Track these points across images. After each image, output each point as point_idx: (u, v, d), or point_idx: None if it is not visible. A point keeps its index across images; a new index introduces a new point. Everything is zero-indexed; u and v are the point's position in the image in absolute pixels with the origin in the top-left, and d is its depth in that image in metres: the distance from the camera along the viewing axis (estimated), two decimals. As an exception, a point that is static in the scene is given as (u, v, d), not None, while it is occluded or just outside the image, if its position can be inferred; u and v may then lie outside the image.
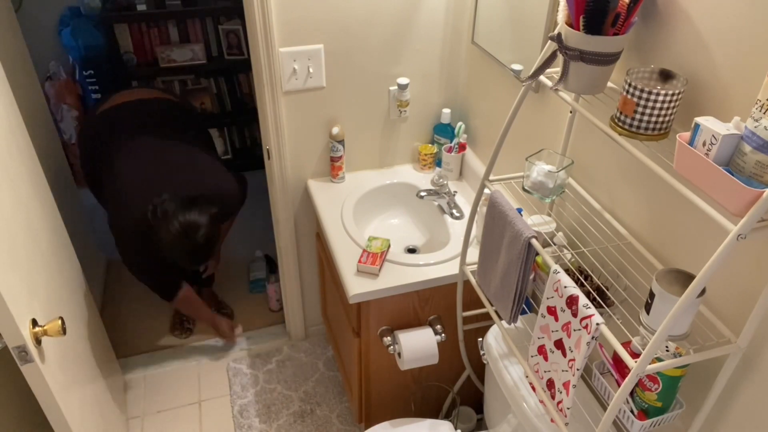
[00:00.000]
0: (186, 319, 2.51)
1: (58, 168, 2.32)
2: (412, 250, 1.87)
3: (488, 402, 1.69)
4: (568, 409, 1.12)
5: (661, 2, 1.05)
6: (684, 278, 0.96)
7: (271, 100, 1.80)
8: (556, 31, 1.06)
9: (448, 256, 1.66)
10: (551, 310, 1.14)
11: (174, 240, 1.84)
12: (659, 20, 1.07)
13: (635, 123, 0.98)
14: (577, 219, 1.39)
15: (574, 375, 1.08)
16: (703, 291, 0.91)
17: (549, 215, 1.48)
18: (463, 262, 1.51)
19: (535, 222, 1.39)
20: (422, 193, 1.86)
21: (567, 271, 1.21)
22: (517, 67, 1.56)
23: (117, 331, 2.49)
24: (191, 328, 2.50)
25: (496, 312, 1.42)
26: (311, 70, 1.78)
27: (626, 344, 1.08)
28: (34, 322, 1.22)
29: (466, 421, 1.98)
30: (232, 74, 3.34)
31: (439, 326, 1.71)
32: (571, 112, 1.35)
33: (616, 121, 1.01)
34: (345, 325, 1.86)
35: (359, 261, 1.60)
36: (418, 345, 1.65)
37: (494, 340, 1.54)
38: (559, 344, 1.13)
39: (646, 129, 0.98)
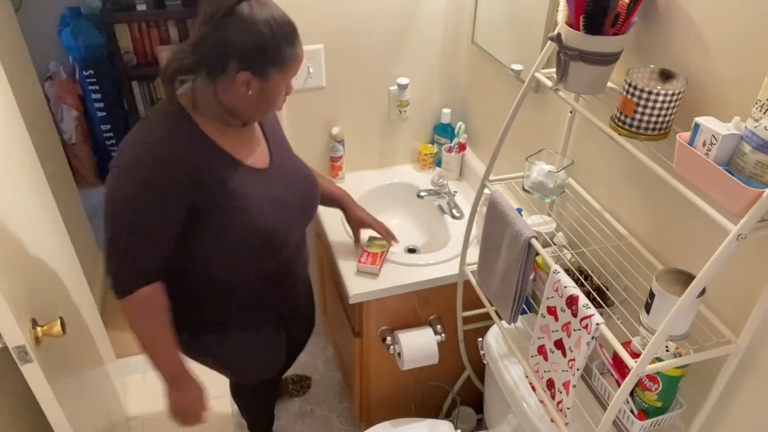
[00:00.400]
0: (294, 384, 2.21)
1: (58, 168, 2.32)
2: (412, 250, 1.86)
3: (488, 402, 1.69)
4: (568, 409, 1.12)
5: (661, 2, 1.05)
6: (684, 278, 0.96)
7: (271, 100, 1.80)
8: (556, 32, 1.06)
9: (448, 256, 1.66)
10: (551, 310, 1.14)
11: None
12: (659, 20, 1.07)
13: (635, 123, 0.98)
14: (577, 219, 1.38)
15: (574, 375, 1.08)
16: (703, 291, 0.91)
17: (549, 215, 1.48)
18: (463, 262, 1.51)
19: (535, 222, 1.39)
20: (422, 193, 1.86)
21: (567, 271, 1.21)
22: (517, 67, 1.56)
23: (117, 331, 2.49)
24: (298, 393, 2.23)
25: (496, 312, 1.41)
26: (311, 70, 1.78)
27: (626, 344, 1.08)
28: (34, 322, 1.22)
29: (466, 421, 1.98)
30: (232, 74, 3.33)
31: (439, 326, 1.71)
32: (571, 112, 1.35)
33: (616, 121, 1.01)
34: (345, 325, 1.86)
35: (359, 261, 1.60)
36: (418, 345, 1.65)
37: (494, 340, 1.54)
38: (559, 344, 1.13)
39: (646, 129, 0.98)
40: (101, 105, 3.18)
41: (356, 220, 1.64)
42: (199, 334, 1.41)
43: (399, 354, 1.66)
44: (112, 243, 1.15)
